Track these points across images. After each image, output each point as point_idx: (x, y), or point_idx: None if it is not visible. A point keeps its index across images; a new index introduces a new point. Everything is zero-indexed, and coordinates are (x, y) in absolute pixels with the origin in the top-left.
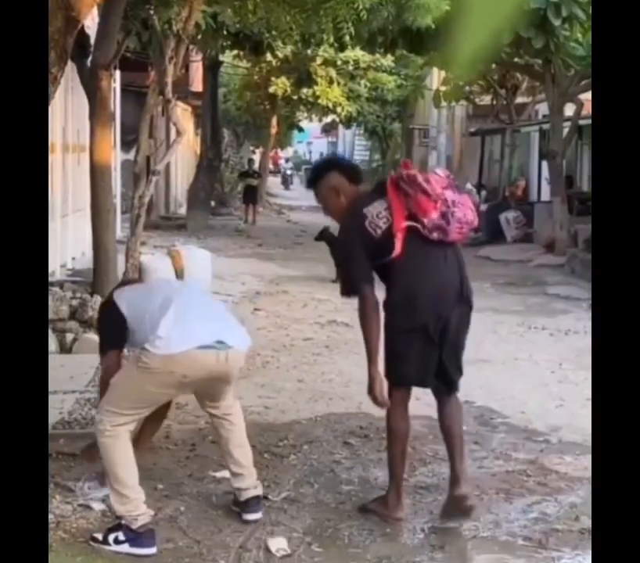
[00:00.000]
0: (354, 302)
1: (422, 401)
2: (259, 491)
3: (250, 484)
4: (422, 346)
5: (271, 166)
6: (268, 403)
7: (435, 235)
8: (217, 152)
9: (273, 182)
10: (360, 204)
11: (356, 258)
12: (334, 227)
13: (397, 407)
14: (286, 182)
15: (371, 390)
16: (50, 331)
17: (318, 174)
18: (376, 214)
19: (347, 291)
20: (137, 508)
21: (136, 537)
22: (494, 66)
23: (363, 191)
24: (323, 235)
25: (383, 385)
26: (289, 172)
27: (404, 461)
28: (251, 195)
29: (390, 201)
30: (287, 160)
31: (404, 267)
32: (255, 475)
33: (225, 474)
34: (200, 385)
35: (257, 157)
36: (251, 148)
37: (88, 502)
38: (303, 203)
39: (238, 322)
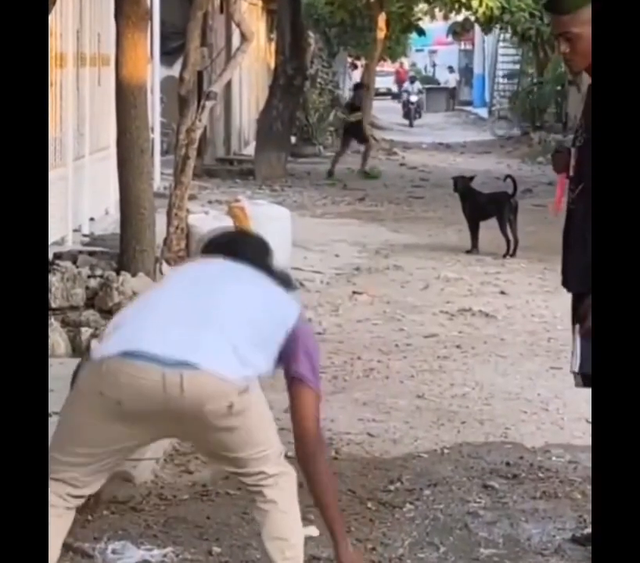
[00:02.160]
0: (496, 282)
1: None
2: None
3: None
4: None
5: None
6: (373, 428)
7: None
8: (299, 66)
9: (383, 108)
10: None
11: None
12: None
13: None
14: (410, 115)
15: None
16: (57, 325)
17: None
18: None
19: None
20: None
21: None
22: None
23: None
24: (459, 185)
25: None
26: (414, 99)
27: None
28: (357, 133)
29: None
30: (413, 79)
31: None
32: None
33: (312, 531)
34: (169, 428)
35: (357, 73)
36: (349, 59)
37: None
38: (423, 139)
39: (271, 343)
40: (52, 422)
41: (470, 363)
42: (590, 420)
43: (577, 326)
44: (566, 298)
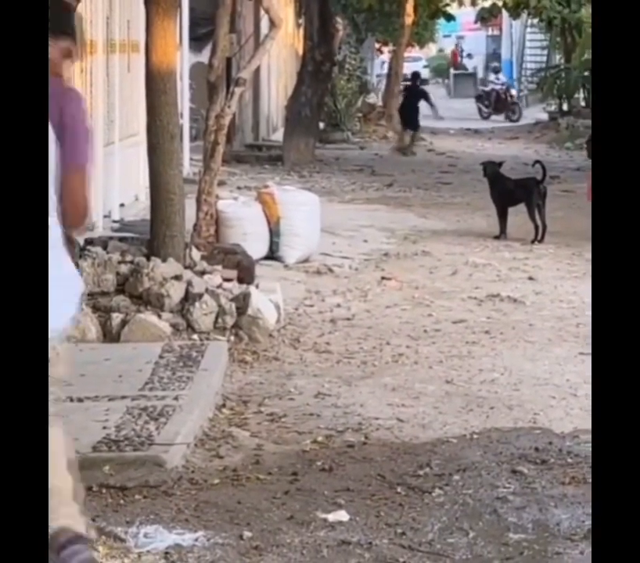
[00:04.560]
0: (524, 268)
1: None
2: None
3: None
4: None
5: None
6: (403, 414)
7: None
8: (328, 52)
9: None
10: None
11: None
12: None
13: None
14: (507, 110)
15: None
16: (88, 310)
17: None
18: None
19: None
20: None
21: None
22: None
23: None
24: (488, 170)
25: None
26: (501, 87)
27: None
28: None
29: None
30: (496, 69)
31: None
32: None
33: (341, 516)
34: None
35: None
36: (377, 45)
37: (145, 556)
38: (451, 125)
39: None
40: (78, 406)
41: (499, 349)
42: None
43: None
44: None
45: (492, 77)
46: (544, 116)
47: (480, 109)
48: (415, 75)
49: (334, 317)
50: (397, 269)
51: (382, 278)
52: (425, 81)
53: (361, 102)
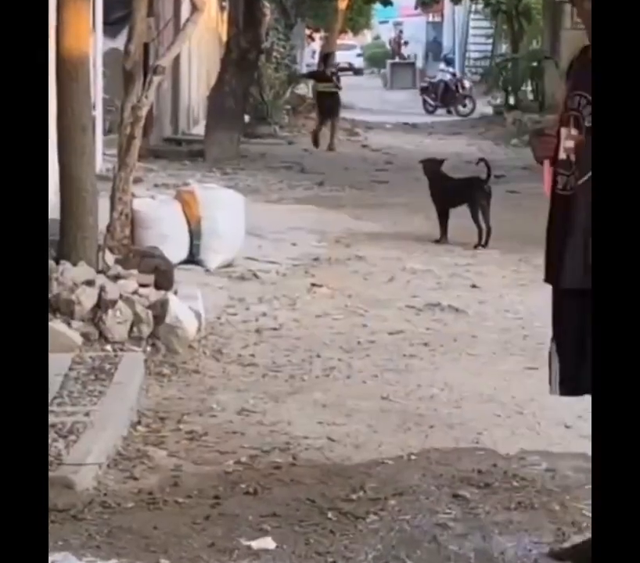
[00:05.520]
0: (467, 275)
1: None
2: None
3: None
4: None
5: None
6: (334, 432)
7: None
8: (254, 39)
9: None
10: None
11: None
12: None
13: None
14: (438, 94)
15: None
16: None
17: None
18: None
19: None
20: None
21: None
22: None
23: None
24: (429, 168)
25: None
26: (451, 78)
27: None
28: (329, 107)
29: None
30: (449, 61)
31: None
32: None
33: (267, 543)
34: None
35: (316, 45)
36: (307, 31)
37: None
38: (387, 119)
39: None
40: None
41: (439, 363)
42: (568, 425)
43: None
44: (544, 291)
45: (442, 66)
46: (489, 110)
47: (425, 102)
48: (326, 57)
49: (260, 327)
50: (329, 275)
51: (313, 285)
52: (359, 71)
53: (290, 94)
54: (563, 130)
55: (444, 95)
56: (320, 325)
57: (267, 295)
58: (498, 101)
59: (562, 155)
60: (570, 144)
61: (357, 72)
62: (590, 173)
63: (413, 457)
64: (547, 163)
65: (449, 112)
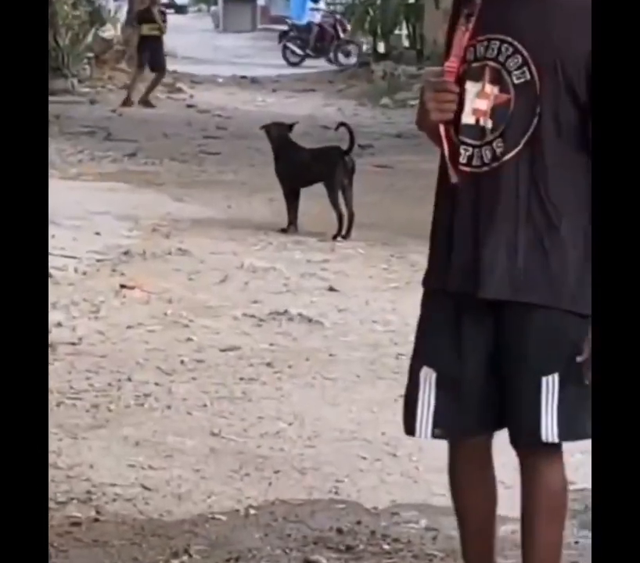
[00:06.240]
0: (323, 274)
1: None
2: None
3: None
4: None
5: None
6: (150, 479)
7: None
8: None
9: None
10: None
11: None
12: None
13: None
14: (309, 41)
15: None
16: None
17: None
18: None
19: None
20: None
21: None
22: None
23: None
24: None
25: None
26: (326, 20)
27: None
28: (150, 53)
29: None
30: None
31: None
32: None
33: None
34: None
35: None
36: None
37: None
38: (219, 71)
39: None
40: None
41: (286, 389)
42: None
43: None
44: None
45: (310, 4)
46: (352, 61)
47: (287, 51)
48: None
49: (53, 341)
50: (143, 274)
51: (122, 287)
52: (181, 9)
53: (93, 38)
54: (471, 86)
55: (318, 42)
56: (131, 339)
57: (63, 299)
58: (364, 48)
59: (467, 119)
60: (483, 105)
61: (180, 10)
62: (522, 145)
63: (253, 512)
64: (446, 127)
65: (336, 61)
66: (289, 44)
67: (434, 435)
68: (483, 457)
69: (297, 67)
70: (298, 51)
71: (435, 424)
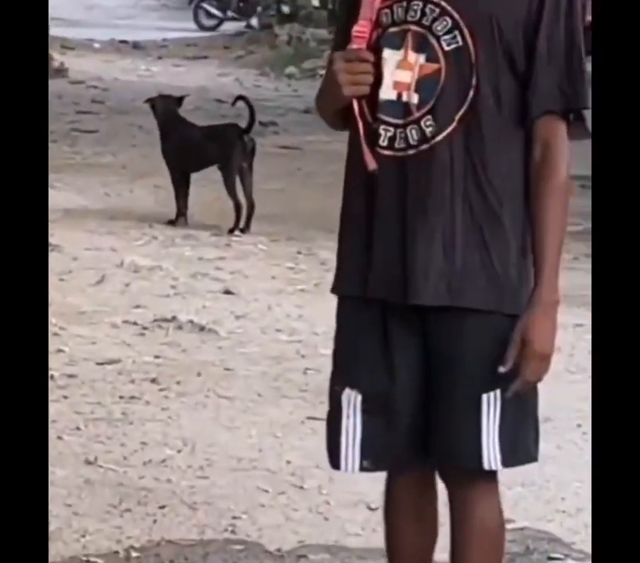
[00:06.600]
0: (218, 274)
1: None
2: None
3: None
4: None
5: None
6: None
7: None
8: None
9: None
10: None
11: None
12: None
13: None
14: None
15: None
16: None
17: None
18: None
19: None
20: None
21: None
22: None
23: None
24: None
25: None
26: None
27: None
28: None
29: None
30: None
31: None
32: None
33: None
34: None
35: None
36: None
37: None
38: (95, 34)
39: None
40: None
41: (174, 409)
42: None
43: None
44: (335, 301)
45: None
46: (252, 23)
47: (200, 12)
48: None
49: None
50: None
51: None
52: None
53: None
54: (389, 55)
55: (242, 1)
56: None
57: None
58: (267, 9)
59: (387, 94)
60: (406, 77)
61: None
62: (456, 122)
63: (135, 554)
64: (359, 103)
65: (249, 26)
66: (204, 4)
67: (362, 468)
68: (424, 490)
69: (206, 31)
70: (215, 12)
71: (363, 456)
